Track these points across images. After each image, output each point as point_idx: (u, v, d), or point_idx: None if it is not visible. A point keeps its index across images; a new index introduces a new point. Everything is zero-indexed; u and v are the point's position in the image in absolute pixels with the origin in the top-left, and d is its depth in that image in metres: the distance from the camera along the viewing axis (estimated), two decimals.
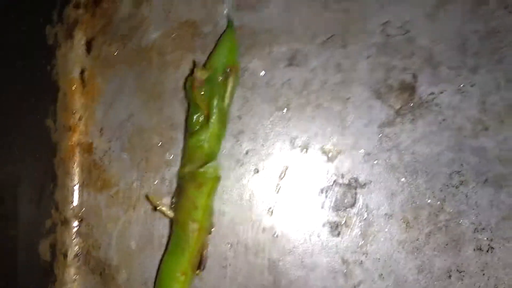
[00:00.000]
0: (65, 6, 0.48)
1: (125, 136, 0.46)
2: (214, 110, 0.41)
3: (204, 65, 0.42)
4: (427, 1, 0.42)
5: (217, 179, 0.42)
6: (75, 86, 0.47)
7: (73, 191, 0.48)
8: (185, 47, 0.45)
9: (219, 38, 0.44)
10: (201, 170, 0.41)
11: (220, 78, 0.41)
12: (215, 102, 0.41)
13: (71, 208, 0.48)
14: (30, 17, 0.46)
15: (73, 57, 0.48)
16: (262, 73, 0.44)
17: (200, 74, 0.41)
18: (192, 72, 0.42)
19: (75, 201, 0.48)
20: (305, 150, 0.43)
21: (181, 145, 0.45)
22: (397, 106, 0.42)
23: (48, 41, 0.47)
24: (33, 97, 0.46)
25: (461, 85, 0.41)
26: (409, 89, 0.42)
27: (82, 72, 0.48)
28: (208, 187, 0.41)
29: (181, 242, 0.42)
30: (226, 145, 0.44)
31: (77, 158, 0.48)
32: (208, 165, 0.41)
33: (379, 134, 0.42)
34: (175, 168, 0.45)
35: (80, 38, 0.48)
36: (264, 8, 0.45)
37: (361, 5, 0.43)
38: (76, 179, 0.48)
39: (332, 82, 0.43)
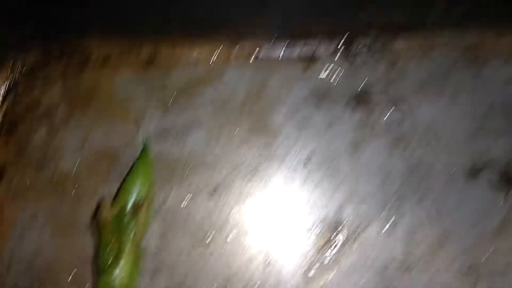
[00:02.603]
0: None
1: (34, 273, 0.42)
2: (126, 246, 0.39)
3: (114, 199, 0.40)
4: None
5: None
6: None
7: None
8: (101, 178, 0.43)
9: (132, 167, 0.42)
10: None
11: (130, 212, 0.39)
12: (126, 238, 0.39)
13: None
14: None
15: None
16: (183, 204, 0.42)
17: (105, 215, 0.39)
18: (97, 210, 0.40)
19: None
20: None
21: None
22: (320, 244, 0.40)
23: None
24: None
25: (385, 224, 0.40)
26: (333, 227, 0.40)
27: None
28: None
29: None
30: (141, 284, 0.41)
31: None
32: None
33: (304, 271, 0.40)
34: None
35: None
36: (187, 137, 0.43)
37: (283, 141, 0.42)
38: None
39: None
